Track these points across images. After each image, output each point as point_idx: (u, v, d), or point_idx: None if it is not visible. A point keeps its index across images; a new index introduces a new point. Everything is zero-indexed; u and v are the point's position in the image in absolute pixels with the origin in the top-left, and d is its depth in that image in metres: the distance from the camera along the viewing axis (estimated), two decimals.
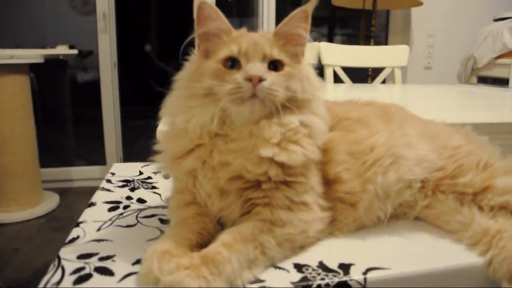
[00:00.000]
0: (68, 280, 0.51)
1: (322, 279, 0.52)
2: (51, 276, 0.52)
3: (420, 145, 0.68)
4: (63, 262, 0.55)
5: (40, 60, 2.46)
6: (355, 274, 0.53)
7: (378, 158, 0.65)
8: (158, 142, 0.66)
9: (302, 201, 0.59)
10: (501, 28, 2.76)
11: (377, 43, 3.18)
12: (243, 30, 0.64)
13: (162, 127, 0.75)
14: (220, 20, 0.62)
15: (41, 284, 0.50)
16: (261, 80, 0.56)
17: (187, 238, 0.56)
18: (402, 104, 0.83)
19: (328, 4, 2.99)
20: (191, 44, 0.65)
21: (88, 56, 3.12)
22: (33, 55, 2.43)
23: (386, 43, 3.34)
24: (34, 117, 2.52)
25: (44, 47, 2.73)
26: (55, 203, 2.63)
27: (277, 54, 0.60)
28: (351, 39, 3.89)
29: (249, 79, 0.56)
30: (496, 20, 2.96)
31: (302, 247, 0.60)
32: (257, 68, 0.57)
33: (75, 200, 2.77)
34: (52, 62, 2.69)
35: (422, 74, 3.35)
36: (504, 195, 0.64)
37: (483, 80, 2.95)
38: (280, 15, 3.29)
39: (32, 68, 2.49)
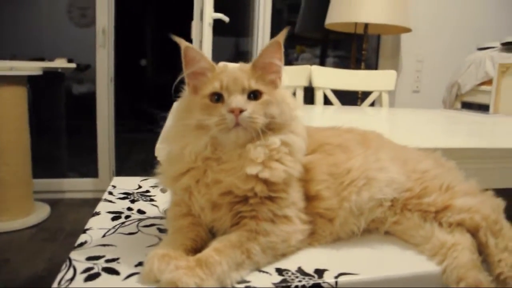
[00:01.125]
0: (80, 278, 0.59)
1: (300, 281, 0.60)
2: (65, 274, 0.59)
3: (391, 169, 0.77)
4: (74, 262, 0.63)
5: (39, 72, 2.50)
6: (328, 278, 0.62)
7: (354, 179, 0.74)
8: (160, 166, 0.75)
9: (284, 214, 0.68)
10: (484, 57, 2.90)
11: (368, 66, 3.27)
12: (224, 65, 0.73)
13: (159, 146, 0.85)
14: (204, 60, 0.71)
15: (56, 281, 0.57)
16: (242, 111, 0.65)
17: (183, 244, 0.64)
18: (385, 127, 0.91)
19: (322, 27, 3.10)
20: (182, 81, 0.74)
21: (85, 70, 3.17)
22: (32, 67, 2.47)
23: (376, 67, 3.44)
24: (29, 128, 2.55)
25: (41, 58, 2.77)
26: (46, 214, 2.65)
27: (254, 85, 0.69)
28: (343, 61, 4.00)
29: (232, 111, 0.65)
30: (480, 49, 3.10)
31: (284, 255, 0.68)
32: (237, 100, 0.66)
33: (66, 212, 2.79)
34: (49, 74, 2.73)
35: (411, 97, 3.45)
36: (461, 213, 0.73)
37: (466, 105, 3.07)
38: (275, 36, 3.36)
39: (28, 80, 2.54)
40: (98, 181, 3.13)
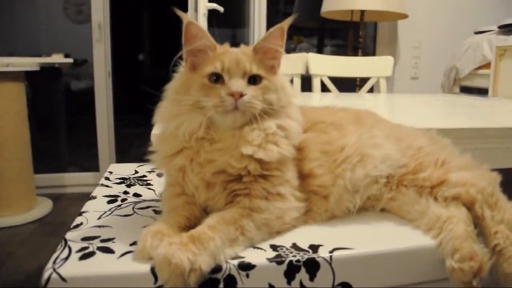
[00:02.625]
0: (75, 256, 0.59)
1: (294, 256, 0.61)
2: (60, 253, 0.60)
3: (386, 145, 0.77)
4: (69, 243, 0.63)
5: (36, 68, 2.50)
6: (323, 253, 0.62)
7: (348, 156, 0.74)
8: (153, 144, 0.75)
9: (278, 192, 0.68)
10: (481, 41, 2.88)
11: (366, 53, 3.26)
12: (226, 46, 0.73)
13: (155, 132, 0.84)
14: (206, 37, 0.70)
15: (51, 260, 0.58)
16: (241, 95, 0.65)
17: (177, 222, 0.64)
18: (384, 111, 0.91)
19: (318, 16, 3.09)
20: (180, 56, 0.73)
21: (82, 65, 3.17)
22: (29, 63, 2.48)
23: (374, 54, 3.43)
24: (29, 124, 2.56)
25: (38, 55, 2.78)
26: (48, 209, 2.66)
27: (255, 69, 0.69)
28: (340, 50, 3.98)
29: (232, 94, 0.65)
30: (477, 33, 3.08)
31: (279, 232, 0.68)
32: (238, 84, 0.67)
33: (68, 206, 2.80)
34: (47, 70, 2.74)
35: (409, 84, 3.45)
36: (456, 187, 0.74)
37: (465, 89, 3.06)
38: (271, 27, 3.36)
39: (26, 76, 2.54)
40: (99, 175, 3.14)
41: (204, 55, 0.70)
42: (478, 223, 0.71)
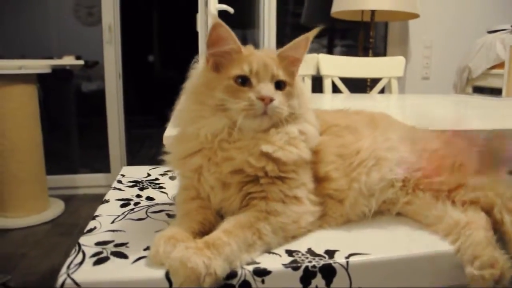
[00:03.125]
0: (89, 261, 0.59)
1: (310, 262, 0.60)
2: (74, 258, 0.59)
3: (401, 148, 0.76)
4: (83, 247, 0.63)
5: (48, 70, 2.53)
6: (339, 258, 0.61)
7: (363, 160, 0.73)
8: (168, 145, 0.74)
9: (294, 195, 0.67)
10: (494, 40, 2.84)
11: (376, 54, 3.23)
12: (251, 48, 0.72)
13: (169, 133, 0.82)
14: (232, 40, 0.68)
15: (65, 265, 0.58)
16: (271, 100, 0.65)
17: (190, 227, 0.64)
18: (396, 113, 0.90)
19: (328, 16, 3.07)
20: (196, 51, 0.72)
21: (93, 67, 3.19)
22: (41, 65, 2.51)
23: (385, 54, 3.40)
24: (41, 126, 2.58)
25: (49, 57, 2.81)
26: (60, 210, 2.69)
27: (282, 75, 0.69)
28: (351, 50, 3.95)
29: (262, 98, 0.65)
30: (490, 32, 3.04)
31: (295, 237, 0.67)
32: (268, 89, 0.66)
33: (80, 207, 2.83)
34: (58, 72, 2.76)
35: (420, 84, 3.41)
36: (475, 191, 0.72)
37: (478, 89, 3.02)
38: (281, 27, 3.36)
39: (38, 78, 2.56)
40: (110, 176, 3.16)
41: (229, 57, 0.69)
42: (497, 228, 0.70)
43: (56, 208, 2.69)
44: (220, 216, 0.69)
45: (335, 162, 0.73)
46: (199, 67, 0.72)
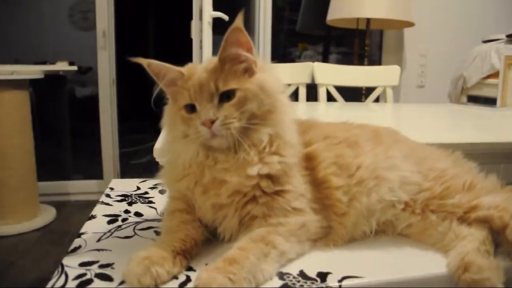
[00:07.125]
0: (71, 284, 0.57)
1: (301, 285, 0.58)
2: (56, 281, 0.57)
3: (403, 167, 0.74)
4: (66, 269, 0.61)
5: (40, 76, 2.51)
6: (331, 282, 0.59)
7: (363, 179, 0.71)
8: (160, 169, 0.76)
9: (294, 207, 0.67)
10: (489, 50, 2.85)
11: (372, 62, 3.23)
12: (192, 67, 0.70)
13: (158, 145, 0.86)
14: (169, 71, 0.69)
15: None
16: (212, 122, 0.63)
17: (170, 245, 0.62)
18: (390, 123, 0.87)
19: (323, 24, 3.06)
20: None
21: (87, 72, 3.17)
22: (33, 71, 2.49)
23: (380, 62, 3.40)
24: (33, 131, 2.56)
25: (43, 62, 2.79)
26: (51, 216, 2.66)
27: (222, 85, 0.65)
28: (346, 57, 3.95)
29: (203, 124, 0.64)
30: (485, 41, 3.04)
31: (309, 241, 0.67)
32: (206, 111, 0.64)
33: (72, 214, 2.80)
34: (52, 78, 2.74)
35: (415, 93, 3.40)
36: (489, 210, 0.69)
37: (473, 99, 3.02)
38: (276, 32, 3.35)
39: (31, 83, 2.55)
40: (103, 183, 3.13)
41: (176, 86, 0.69)
42: (510, 251, 0.67)
43: (47, 215, 2.66)
44: (213, 235, 0.69)
45: (333, 168, 0.71)
46: (169, 102, 0.73)
